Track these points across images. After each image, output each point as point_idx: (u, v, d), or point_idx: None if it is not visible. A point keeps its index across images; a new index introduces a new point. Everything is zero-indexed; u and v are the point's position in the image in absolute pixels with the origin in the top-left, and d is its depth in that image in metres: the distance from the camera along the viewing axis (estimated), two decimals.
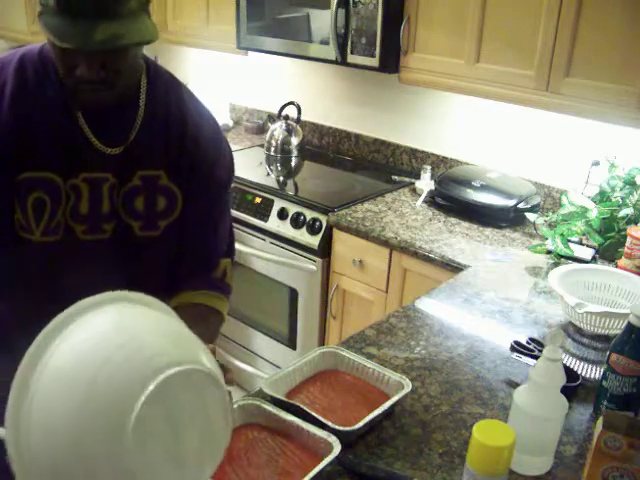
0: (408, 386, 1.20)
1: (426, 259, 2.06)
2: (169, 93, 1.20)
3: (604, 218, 1.96)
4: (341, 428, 1.08)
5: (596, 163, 2.12)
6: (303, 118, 3.04)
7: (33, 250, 1.10)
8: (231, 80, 3.47)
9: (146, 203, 1.15)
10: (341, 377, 1.28)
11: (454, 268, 1.97)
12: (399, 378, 1.22)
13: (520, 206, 2.25)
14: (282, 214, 2.49)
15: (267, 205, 2.55)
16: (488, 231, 2.22)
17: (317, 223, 2.38)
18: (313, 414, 1.10)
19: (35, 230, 1.09)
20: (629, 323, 1.15)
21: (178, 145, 1.17)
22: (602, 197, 2.02)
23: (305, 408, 1.11)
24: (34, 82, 1.08)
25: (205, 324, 1.17)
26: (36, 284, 1.14)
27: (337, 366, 1.30)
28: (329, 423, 1.08)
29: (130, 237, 1.16)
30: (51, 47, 1.02)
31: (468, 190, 2.33)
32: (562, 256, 1.93)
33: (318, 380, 1.27)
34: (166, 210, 1.17)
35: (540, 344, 1.44)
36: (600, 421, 0.97)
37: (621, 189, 1.99)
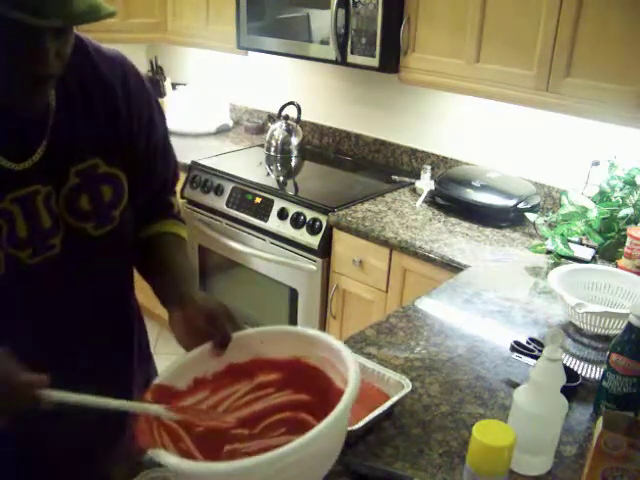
0: (408, 386, 1.20)
1: (426, 259, 2.06)
2: (78, 66, 1.00)
3: (604, 218, 1.96)
4: None
5: (596, 163, 2.12)
6: (303, 118, 3.04)
7: None
8: (231, 80, 3.47)
9: (91, 199, 1.02)
10: None
11: (454, 268, 1.97)
12: (399, 378, 1.22)
13: (520, 206, 2.25)
14: (282, 214, 2.49)
15: (267, 205, 2.55)
16: (488, 231, 2.23)
17: (317, 223, 2.38)
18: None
19: None
20: (629, 323, 1.15)
21: (109, 119, 1.03)
22: (602, 197, 2.02)
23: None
24: None
25: (182, 251, 1.18)
26: None
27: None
28: None
29: (85, 240, 1.04)
30: None
31: (468, 190, 2.33)
32: (562, 256, 1.93)
33: None
34: (114, 199, 1.05)
35: (540, 344, 1.44)
36: (600, 421, 0.97)
37: (621, 189, 1.99)
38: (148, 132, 1.11)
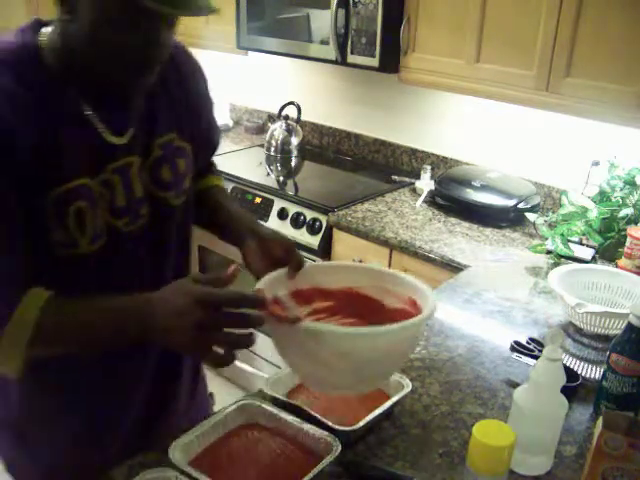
0: (408, 386, 1.20)
1: (426, 259, 2.06)
2: None
3: (604, 218, 1.96)
4: (341, 428, 1.08)
5: (596, 163, 2.12)
6: (303, 118, 3.04)
7: (82, 263, 1.04)
8: (231, 80, 3.47)
9: (171, 170, 1.14)
10: None
11: (454, 268, 1.97)
12: (399, 378, 1.22)
13: (520, 206, 2.25)
14: (282, 214, 2.49)
15: (267, 205, 2.55)
16: (488, 231, 2.23)
17: (317, 223, 2.38)
18: (313, 414, 1.10)
19: (81, 242, 1.02)
20: (629, 323, 1.15)
21: (180, 99, 1.16)
22: (602, 197, 2.02)
23: (305, 408, 1.11)
24: (36, 82, 0.98)
25: (231, 198, 1.42)
26: (89, 291, 1.05)
27: None
28: (329, 423, 1.08)
29: (166, 210, 1.14)
30: (116, 26, 0.92)
31: (468, 190, 2.33)
32: (562, 256, 1.93)
33: None
34: (186, 169, 1.17)
35: (540, 344, 1.44)
36: (600, 421, 0.97)
37: (621, 189, 1.99)
38: (207, 108, 1.27)
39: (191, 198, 1.22)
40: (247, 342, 0.91)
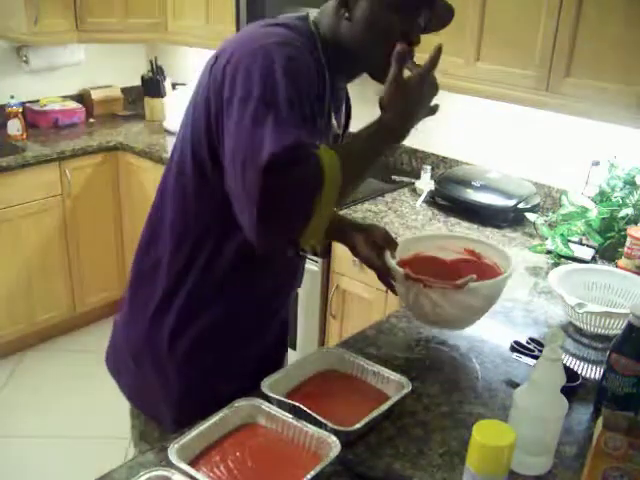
0: (408, 386, 1.20)
1: None
2: None
3: (604, 218, 1.96)
4: (341, 428, 1.08)
5: (596, 163, 2.12)
6: None
7: None
8: None
9: None
10: (341, 377, 1.28)
11: None
12: (399, 378, 1.22)
13: (520, 206, 2.25)
14: None
15: None
16: (488, 231, 2.22)
17: None
18: (313, 414, 1.10)
19: None
20: (629, 323, 1.15)
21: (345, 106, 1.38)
22: (602, 197, 2.02)
23: (305, 408, 1.11)
24: (315, 66, 1.12)
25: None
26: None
27: (337, 366, 1.30)
28: (329, 423, 1.08)
29: None
30: (388, 35, 1.13)
31: (468, 190, 2.33)
32: (562, 256, 1.93)
33: (318, 380, 1.27)
34: None
35: (540, 344, 1.44)
36: (600, 421, 0.97)
37: (621, 189, 1.99)
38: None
39: None
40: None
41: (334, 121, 1.27)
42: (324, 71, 1.16)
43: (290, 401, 1.14)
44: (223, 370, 1.28)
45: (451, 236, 1.59)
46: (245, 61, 1.04)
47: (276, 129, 0.96)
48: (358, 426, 1.09)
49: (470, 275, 1.32)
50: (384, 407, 1.15)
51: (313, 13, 1.19)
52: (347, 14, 1.13)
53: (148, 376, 1.29)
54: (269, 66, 1.01)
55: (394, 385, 1.22)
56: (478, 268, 1.45)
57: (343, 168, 1.02)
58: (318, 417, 1.09)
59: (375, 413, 1.13)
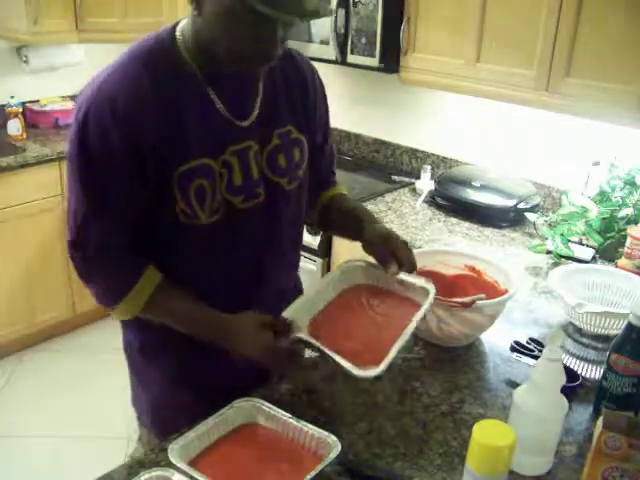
0: (432, 290, 1.22)
1: None
2: (284, 64, 1.26)
3: (604, 218, 1.96)
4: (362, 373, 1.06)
5: (596, 163, 2.12)
6: None
7: (200, 233, 1.18)
8: None
9: (286, 158, 1.26)
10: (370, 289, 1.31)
11: None
12: (424, 283, 1.24)
13: (520, 206, 2.25)
14: None
15: None
16: (488, 231, 2.22)
17: None
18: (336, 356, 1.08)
19: (201, 215, 1.16)
20: (629, 323, 1.15)
21: (302, 101, 1.29)
22: (602, 197, 2.02)
23: (321, 346, 1.10)
24: (167, 72, 1.12)
25: (354, 202, 1.52)
26: (204, 262, 1.23)
27: (362, 281, 1.32)
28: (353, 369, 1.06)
29: (281, 194, 1.26)
30: (234, 23, 1.04)
31: (468, 190, 2.33)
32: (562, 256, 1.93)
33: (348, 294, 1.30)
34: (300, 160, 1.29)
35: (540, 344, 1.44)
36: (600, 421, 0.97)
37: (621, 189, 1.99)
38: (324, 118, 1.39)
39: (304, 189, 1.34)
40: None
41: (232, 120, 1.18)
42: (194, 73, 1.14)
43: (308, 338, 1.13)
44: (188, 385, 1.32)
45: (452, 252, 1.59)
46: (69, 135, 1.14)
47: (69, 218, 1.17)
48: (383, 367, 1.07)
49: (478, 294, 1.34)
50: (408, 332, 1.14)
51: (185, 20, 1.17)
52: (196, 11, 1.08)
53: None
54: (70, 156, 1.13)
55: (419, 291, 1.24)
56: (478, 284, 1.47)
57: (168, 307, 1.20)
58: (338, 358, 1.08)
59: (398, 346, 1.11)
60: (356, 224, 1.35)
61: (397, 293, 1.27)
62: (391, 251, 1.25)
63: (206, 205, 1.16)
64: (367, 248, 1.31)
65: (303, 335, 1.12)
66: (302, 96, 1.30)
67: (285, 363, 1.19)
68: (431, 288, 1.22)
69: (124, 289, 1.17)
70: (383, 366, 1.06)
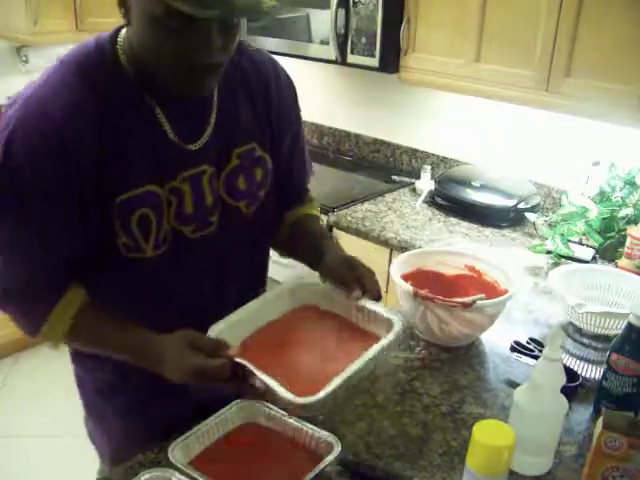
0: (398, 323, 1.07)
1: None
2: (242, 65, 1.13)
3: (604, 218, 1.96)
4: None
5: (596, 163, 2.12)
6: (303, 118, 3.03)
7: (146, 266, 1.06)
8: None
9: (247, 180, 1.14)
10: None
11: None
12: (391, 314, 1.09)
13: (520, 206, 2.25)
14: None
15: None
16: (488, 231, 2.22)
17: None
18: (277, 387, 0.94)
19: (146, 248, 1.04)
20: (629, 323, 1.15)
21: (265, 111, 1.16)
22: (602, 197, 2.02)
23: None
24: (107, 86, 0.98)
25: (320, 226, 1.37)
26: (151, 296, 1.10)
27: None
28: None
29: (238, 219, 1.15)
30: (160, 29, 0.90)
31: (468, 190, 2.33)
32: (562, 256, 1.93)
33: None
34: (262, 180, 1.17)
35: (540, 344, 1.44)
36: (600, 421, 0.97)
37: (621, 189, 1.99)
38: (294, 128, 1.26)
39: (267, 210, 1.21)
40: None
41: (181, 144, 1.05)
42: (137, 87, 1.01)
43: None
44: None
45: (452, 252, 1.59)
46: None
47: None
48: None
49: (479, 294, 1.34)
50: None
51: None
52: (125, 18, 0.95)
53: None
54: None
55: (383, 323, 1.08)
56: (478, 284, 1.48)
57: (92, 329, 1.08)
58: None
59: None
60: (317, 249, 1.20)
61: (353, 322, 1.12)
62: (356, 276, 1.11)
63: (151, 237, 1.03)
64: (327, 274, 1.15)
65: (234, 354, 0.96)
66: (266, 105, 1.16)
67: (229, 382, 0.97)
68: (397, 321, 1.06)
69: (43, 313, 1.04)
70: (323, 394, 0.91)
